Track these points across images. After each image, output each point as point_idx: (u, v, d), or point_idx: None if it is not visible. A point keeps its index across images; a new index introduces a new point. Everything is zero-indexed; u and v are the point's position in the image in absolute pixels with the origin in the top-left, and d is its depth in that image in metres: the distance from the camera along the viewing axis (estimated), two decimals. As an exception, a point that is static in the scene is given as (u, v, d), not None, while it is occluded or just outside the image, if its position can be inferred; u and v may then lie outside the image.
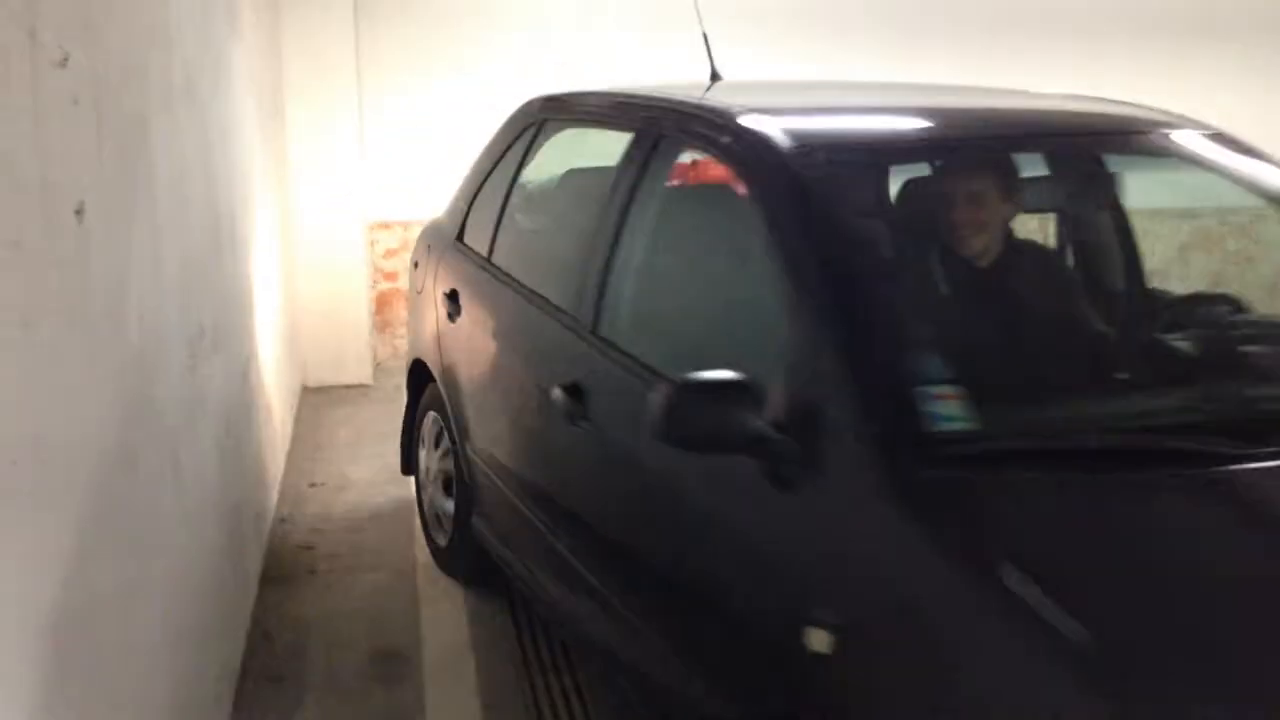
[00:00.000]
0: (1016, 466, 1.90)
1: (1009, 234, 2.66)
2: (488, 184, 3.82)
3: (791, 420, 2.05)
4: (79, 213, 1.75)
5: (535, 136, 3.65)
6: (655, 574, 2.53)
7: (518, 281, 3.34)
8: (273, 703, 3.17)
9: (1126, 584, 1.71)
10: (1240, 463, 1.93)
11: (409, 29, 6.25)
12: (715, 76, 3.55)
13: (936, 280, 2.53)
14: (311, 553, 4.09)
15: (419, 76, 6.28)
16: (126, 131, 2.12)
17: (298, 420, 5.53)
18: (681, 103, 2.89)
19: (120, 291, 2.02)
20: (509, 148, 3.76)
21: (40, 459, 1.56)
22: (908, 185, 2.78)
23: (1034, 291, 2.59)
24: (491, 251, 3.61)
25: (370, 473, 4.84)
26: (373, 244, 6.31)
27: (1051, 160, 2.93)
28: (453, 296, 3.73)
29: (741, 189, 2.51)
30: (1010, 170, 2.63)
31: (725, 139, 2.61)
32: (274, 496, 4.47)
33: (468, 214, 3.89)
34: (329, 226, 5.90)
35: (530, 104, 3.80)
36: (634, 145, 2.93)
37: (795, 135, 2.50)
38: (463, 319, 3.66)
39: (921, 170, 2.83)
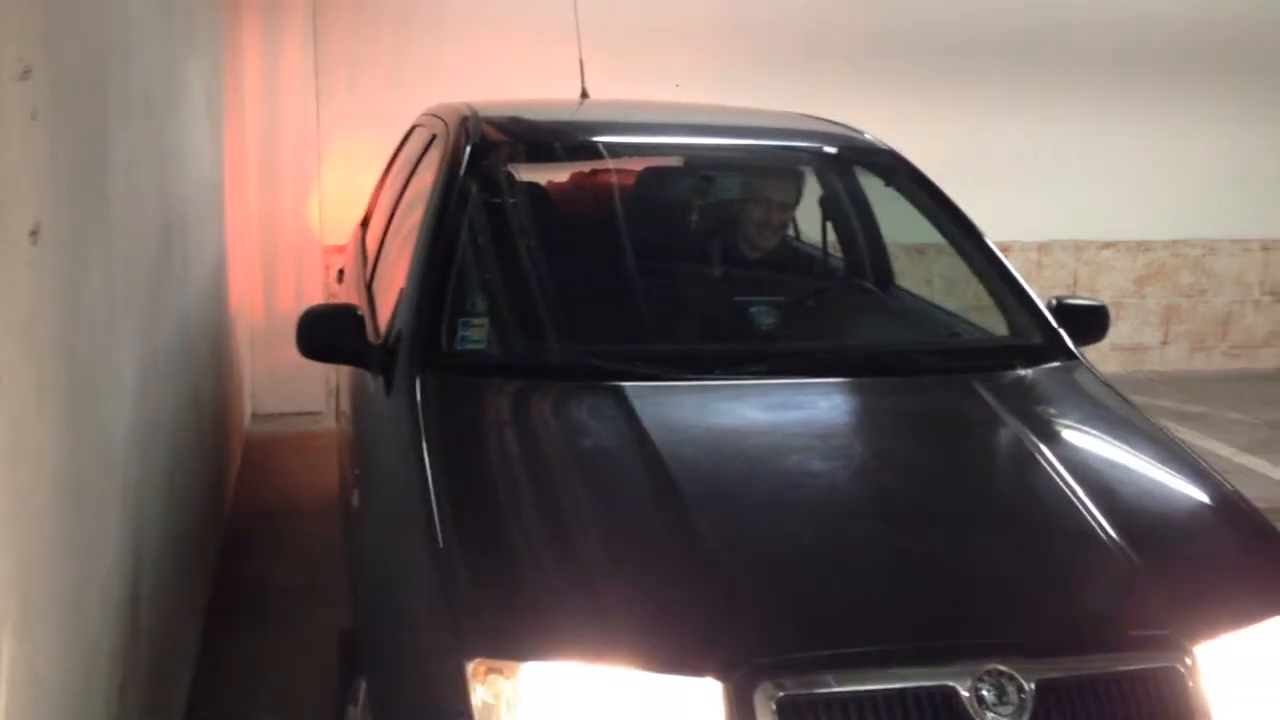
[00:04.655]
0: (513, 376, 2.73)
1: (614, 214, 3.34)
2: (388, 182, 4.45)
3: (387, 340, 2.79)
4: (34, 233, 1.66)
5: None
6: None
7: (365, 252, 4.09)
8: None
9: (529, 461, 2.41)
10: (663, 380, 2.63)
11: (366, 54, 6.15)
12: (584, 95, 4.17)
13: (534, 248, 3.15)
14: (263, 584, 3.96)
15: (375, 102, 6.18)
16: (84, 147, 2.03)
17: (247, 449, 5.39)
18: (457, 107, 3.55)
19: (71, 314, 1.92)
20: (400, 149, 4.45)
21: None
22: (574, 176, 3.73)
23: (617, 255, 3.17)
24: (365, 234, 4.35)
25: (323, 501, 4.71)
26: (327, 268, 6.19)
27: (687, 159, 3.70)
28: (340, 276, 4.55)
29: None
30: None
31: (455, 132, 3.31)
32: (224, 525, 4.34)
33: (371, 207, 4.64)
34: (283, 249, 5.79)
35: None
36: (426, 144, 3.67)
37: (487, 133, 3.28)
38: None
39: (581, 166, 3.74)
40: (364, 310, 3.10)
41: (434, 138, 3.61)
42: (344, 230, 6.10)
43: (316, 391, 5.88)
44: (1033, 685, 1.84)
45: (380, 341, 2.87)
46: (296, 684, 3.33)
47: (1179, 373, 7.17)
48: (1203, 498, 2.45)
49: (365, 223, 4.68)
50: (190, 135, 3.69)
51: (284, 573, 4.07)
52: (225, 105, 4.98)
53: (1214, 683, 1.94)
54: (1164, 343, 7.27)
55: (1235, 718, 1.95)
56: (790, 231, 3.75)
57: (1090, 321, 3.09)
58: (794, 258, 3.72)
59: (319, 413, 5.84)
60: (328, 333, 2.77)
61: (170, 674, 2.96)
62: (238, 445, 5.22)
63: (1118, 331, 6.15)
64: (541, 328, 2.92)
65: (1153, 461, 2.55)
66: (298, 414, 5.85)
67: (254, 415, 5.86)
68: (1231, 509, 2.41)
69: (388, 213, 4.02)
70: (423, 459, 2.31)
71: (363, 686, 2.20)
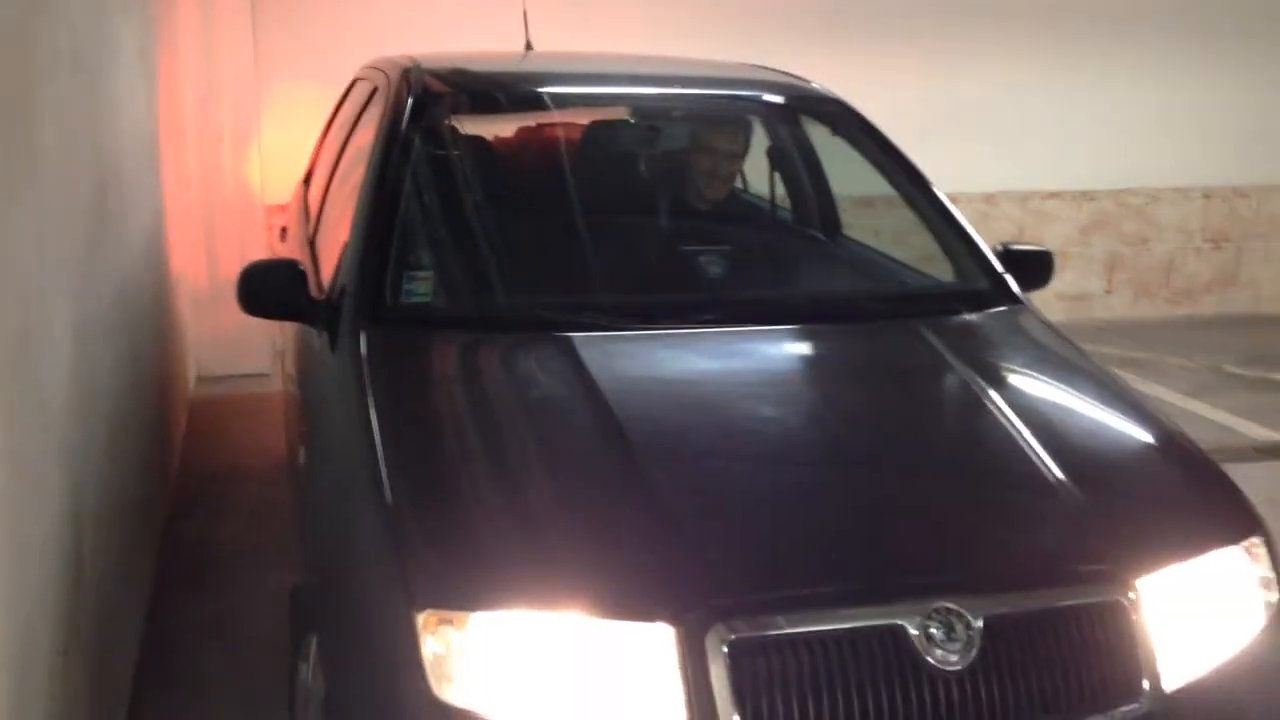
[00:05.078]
0: (459, 329, 2.68)
1: (559, 166, 3.31)
2: (330, 138, 4.37)
3: (330, 295, 2.75)
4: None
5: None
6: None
7: (307, 209, 4.06)
8: (169, 708, 3.02)
9: (476, 413, 2.39)
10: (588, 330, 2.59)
11: (305, 7, 6.02)
12: (529, 47, 4.11)
13: (479, 200, 3.14)
14: (212, 547, 3.92)
15: (315, 56, 6.06)
16: (9, 102, 1.97)
17: (193, 411, 5.32)
18: (399, 60, 3.47)
19: (1, 272, 1.87)
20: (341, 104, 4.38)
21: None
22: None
23: (563, 207, 3.14)
24: (308, 191, 4.30)
25: (269, 464, 4.66)
26: (270, 227, 6.09)
27: (634, 110, 3.67)
28: (282, 234, 4.47)
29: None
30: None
31: (397, 85, 3.25)
32: (170, 489, 4.28)
33: (313, 163, 4.57)
34: (223, 208, 5.68)
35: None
36: (367, 97, 3.63)
37: (429, 85, 3.23)
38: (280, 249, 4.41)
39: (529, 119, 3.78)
40: (308, 267, 3.05)
41: (375, 91, 3.54)
42: (286, 188, 5.99)
43: (262, 353, 5.80)
44: (980, 622, 1.86)
45: (324, 297, 2.83)
46: (248, 645, 3.31)
47: (1123, 320, 7.27)
48: (1146, 437, 2.48)
49: (308, 179, 4.60)
50: (123, 92, 3.60)
51: (233, 535, 4.03)
52: (160, 62, 4.86)
53: (1155, 615, 1.98)
54: (1108, 291, 7.36)
55: (1175, 648, 1.99)
56: (739, 182, 3.74)
57: (1035, 267, 3.11)
58: (742, 208, 3.71)
59: (265, 374, 5.76)
60: (269, 288, 2.73)
61: (117, 639, 2.93)
62: (182, 408, 5.15)
63: (1063, 280, 6.21)
64: (487, 280, 2.90)
65: (1097, 402, 2.58)
66: (244, 376, 5.77)
67: (199, 378, 5.77)
68: (1173, 447, 2.45)
69: (330, 168, 3.96)
70: (369, 413, 2.29)
71: (313, 643, 2.19)
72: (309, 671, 2.20)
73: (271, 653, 3.04)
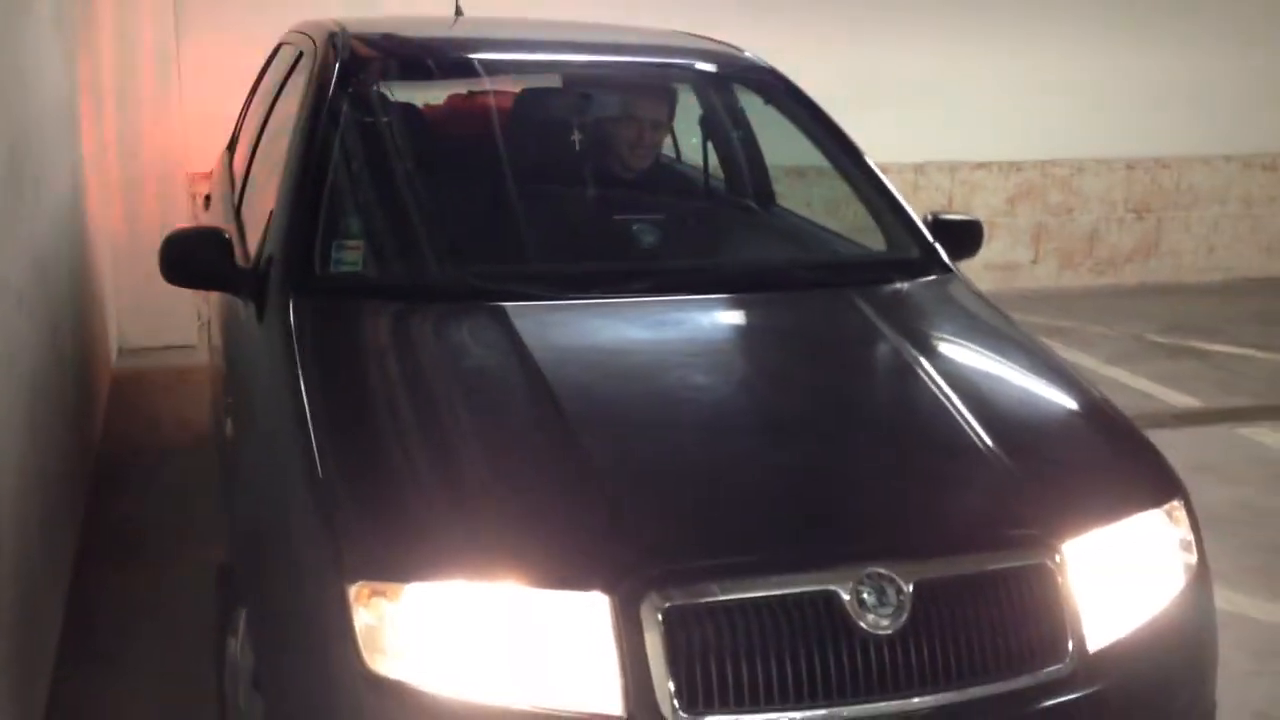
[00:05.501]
0: (390, 299, 2.64)
1: (490, 133, 3.27)
2: (255, 104, 4.29)
3: (257, 264, 2.71)
4: None
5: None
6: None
7: (232, 177, 4.01)
8: (92, 685, 2.97)
9: (408, 383, 2.35)
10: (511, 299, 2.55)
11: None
12: (459, 12, 4.01)
13: (409, 168, 3.08)
14: (136, 523, 3.84)
15: (238, 19, 5.91)
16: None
17: (116, 384, 5.20)
18: (325, 24, 3.43)
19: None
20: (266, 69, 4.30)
21: None
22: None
23: (494, 175, 3.11)
24: (232, 158, 4.23)
25: (194, 438, 4.58)
26: (194, 196, 5.95)
27: (564, 77, 3.57)
28: (206, 202, 4.46)
29: None
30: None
31: (324, 49, 3.19)
32: (93, 464, 4.19)
33: (238, 129, 4.48)
34: (145, 176, 5.54)
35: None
36: (292, 62, 3.57)
37: (356, 50, 3.19)
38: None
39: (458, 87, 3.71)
40: (233, 236, 2.98)
41: (301, 56, 3.47)
42: (209, 155, 5.86)
43: (187, 324, 5.69)
44: (910, 587, 1.89)
45: (250, 266, 2.77)
46: (173, 621, 3.25)
47: (1049, 289, 7.39)
48: (1072, 404, 2.52)
49: (232, 146, 4.50)
50: (36, 54, 3.48)
51: (157, 510, 3.95)
52: (79, 27, 4.72)
53: (1080, 577, 2.02)
54: (1034, 260, 7.48)
55: (1099, 610, 2.03)
56: (672, 151, 3.72)
57: (965, 236, 3.14)
58: (675, 177, 3.70)
59: (191, 346, 5.65)
60: (193, 257, 2.66)
61: (38, 614, 2.86)
62: (104, 381, 5.03)
63: (991, 250, 6.30)
64: (418, 249, 2.85)
65: (1025, 370, 2.62)
66: (168, 348, 5.65)
67: (122, 350, 5.64)
68: (1099, 414, 2.49)
69: (255, 135, 3.87)
70: (298, 385, 2.25)
71: (242, 617, 2.15)
72: (237, 646, 2.17)
73: (197, 629, 3.00)
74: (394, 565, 1.84)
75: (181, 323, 5.66)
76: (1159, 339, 6.40)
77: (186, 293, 5.66)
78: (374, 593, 1.82)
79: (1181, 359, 6.05)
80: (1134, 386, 5.56)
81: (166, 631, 3.21)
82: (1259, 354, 6.16)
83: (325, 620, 1.83)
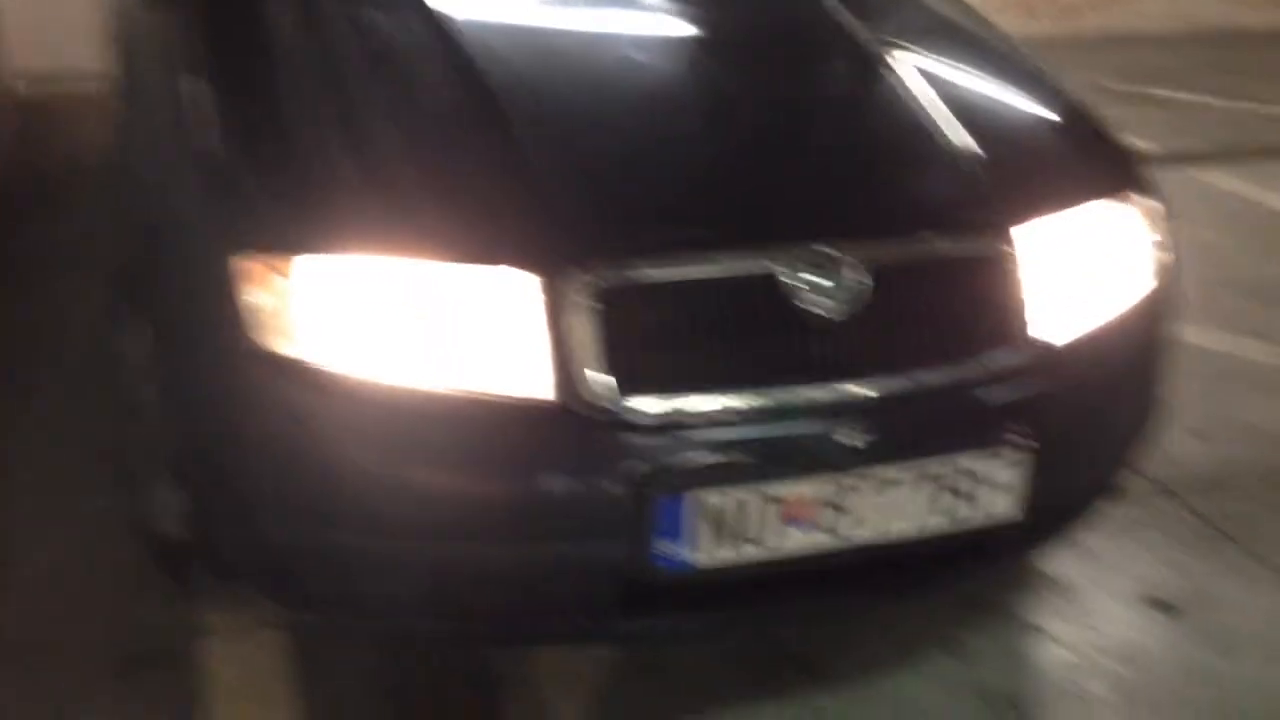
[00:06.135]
0: None
1: None
2: None
3: None
4: None
5: None
6: None
7: None
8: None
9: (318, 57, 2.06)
10: None
11: None
12: None
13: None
14: (36, 254, 3.61)
15: None
16: None
17: (23, 115, 4.84)
18: None
19: None
20: None
21: None
22: None
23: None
24: None
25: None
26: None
27: None
28: None
29: None
30: None
31: None
32: None
33: None
34: None
35: None
36: None
37: None
38: None
39: None
40: None
41: None
42: None
43: (90, 45, 5.21)
44: (862, 275, 1.75)
45: None
46: (72, 346, 3.11)
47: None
48: (1035, 95, 2.36)
49: None
50: None
51: (65, 242, 3.72)
52: None
53: (1035, 266, 1.90)
54: (999, 9, 7.15)
55: (1058, 300, 1.92)
56: None
57: None
58: None
59: (101, 78, 5.25)
60: None
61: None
62: (9, 110, 4.69)
63: None
64: None
65: (987, 60, 2.44)
66: (78, 79, 5.23)
67: (29, 78, 5.24)
68: (1061, 106, 2.34)
69: None
70: (194, 52, 2.02)
71: (127, 310, 1.98)
72: (125, 340, 2.01)
73: (96, 352, 2.85)
74: (284, 235, 1.67)
75: (84, 42, 5.16)
76: (1118, 86, 6.21)
77: (88, 8, 5.14)
78: (267, 267, 1.65)
79: (1140, 105, 5.90)
80: (1091, 130, 5.41)
81: (64, 356, 3.07)
82: (1215, 101, 6.06)
83: (209, 299, 1.68)
